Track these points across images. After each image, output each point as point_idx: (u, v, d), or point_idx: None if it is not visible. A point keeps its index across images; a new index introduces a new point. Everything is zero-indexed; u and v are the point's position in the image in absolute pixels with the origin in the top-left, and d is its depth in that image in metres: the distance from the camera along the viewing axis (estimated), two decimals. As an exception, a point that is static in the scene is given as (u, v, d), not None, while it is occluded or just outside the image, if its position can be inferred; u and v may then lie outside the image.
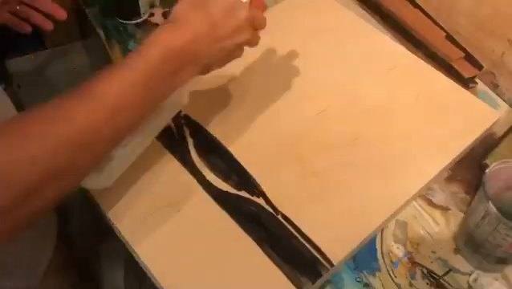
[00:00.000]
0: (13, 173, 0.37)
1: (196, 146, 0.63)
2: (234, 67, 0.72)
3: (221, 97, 0.69)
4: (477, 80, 0.76)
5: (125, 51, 0.78)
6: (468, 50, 0.77)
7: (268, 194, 0.59)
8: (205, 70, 0.52)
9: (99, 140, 0.42)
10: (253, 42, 0.55)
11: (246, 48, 0.55)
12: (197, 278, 0.53)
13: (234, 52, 0.53)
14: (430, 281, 0.56)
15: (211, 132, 0.64)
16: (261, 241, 0.55)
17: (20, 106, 1.09)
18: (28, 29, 0.72)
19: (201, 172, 0.61)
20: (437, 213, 0.62)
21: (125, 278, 0.87)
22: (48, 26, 0.71)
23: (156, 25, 0.82)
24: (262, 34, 0.56)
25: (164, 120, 0.57)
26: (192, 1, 0.49)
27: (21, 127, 0.39)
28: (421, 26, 0.80)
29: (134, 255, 0.55)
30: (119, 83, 0.43)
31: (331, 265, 0.53)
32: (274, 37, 0.78)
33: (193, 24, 0.48)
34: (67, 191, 0.42)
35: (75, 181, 0.43)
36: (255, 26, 0.54)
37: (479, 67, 0.75)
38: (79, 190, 0.61)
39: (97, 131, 0.42)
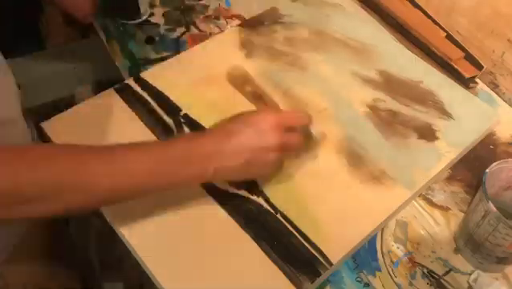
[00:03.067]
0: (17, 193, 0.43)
1: (195, 145, 0.63)
2: (235, 66, 0.73)
3: (221, 96, 0.69)
4: (477, 80, 0.76)
5: (125, 51, 0.78)
6: (468, 50, 0.77)
7: (267, 193, 0.59)
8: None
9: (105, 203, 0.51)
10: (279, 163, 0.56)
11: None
12: (197, 278, 0.53)
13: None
14: (430, 281, 0.56)
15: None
16: (260, 240, 0.55)
17: (20, 106, 1.10)
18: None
19: (200, 172, 0.60)
20: (437, 213, 0.61)
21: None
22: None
23: (156, 25, 0.82)
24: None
25: None
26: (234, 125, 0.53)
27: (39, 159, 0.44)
28: (421, 26, 0.80)
29: (133, 255, 0.55)
30: (140, 163, 0.48)
31: (330, 264, 0.53)
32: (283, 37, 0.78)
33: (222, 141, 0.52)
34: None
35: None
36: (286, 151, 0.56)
37: (479, 67, 0.75)
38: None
39: (114, 195, 0.49)
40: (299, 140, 0.57)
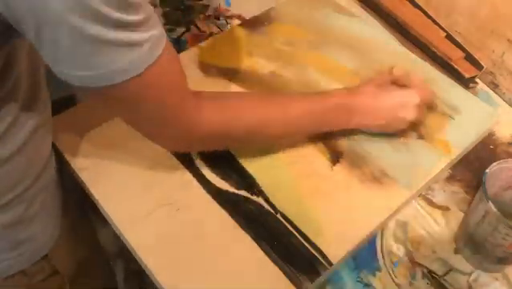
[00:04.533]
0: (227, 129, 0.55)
1: (195, 145, 0.63)
2: (235, 66, 0.73)
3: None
4: (477, 80, 0.76)
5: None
6: (468, 50, 0.77)
7: (267, 193, 0.59)
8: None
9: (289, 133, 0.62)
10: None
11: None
12: (197, 277, 0.53)
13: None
14: (430, 281, 0.55)
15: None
16: (260, 240, 0.55)
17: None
18: None
19: (200, 172, 0.61)
20: (437, 213, 0.61)
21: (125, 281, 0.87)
22: None
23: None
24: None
25: None
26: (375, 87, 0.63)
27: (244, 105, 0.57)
28: (421, 26, 0.80)
29: (133, 254, 0.55)
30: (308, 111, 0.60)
31: (330, 264, 0.53)
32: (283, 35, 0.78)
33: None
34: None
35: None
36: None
37: (479, 67, 0.75)
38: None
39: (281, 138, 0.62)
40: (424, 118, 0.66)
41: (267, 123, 0.57)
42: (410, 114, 0.61)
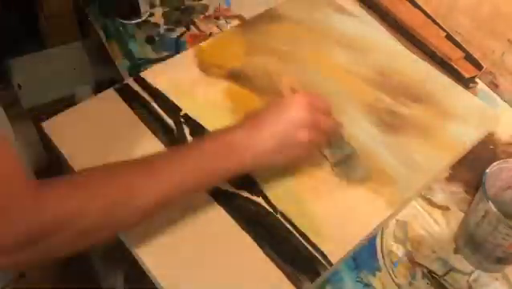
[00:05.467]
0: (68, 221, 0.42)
1: (195, 145, 0.63)
2: (235, 66, 0.73)
3: (221, 96, 0.69)
4: (477, 80, 0.76)
5: (125, 51, 0.78)
6: (468, 50, 0.77)
7: (267, 193, 0.59)
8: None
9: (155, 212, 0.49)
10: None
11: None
12: (196, 277, 0.53)
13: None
14: (430, 281, 0.55)
15: (211, 131, 0.64)
16: (260, 240, 0.55)
17: (20, 106, 1.10)
18: None
19: (200, 172, 0.60)
20: (437, 213, 0.61)
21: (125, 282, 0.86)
22: None
23: (156, 25, 0.82)
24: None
25: None
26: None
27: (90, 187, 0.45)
28: (421, 26, 0.80)
29: (133, 255, 0.55)
30: (182, 170, 0.50)
31: (330, 264, 0.53)
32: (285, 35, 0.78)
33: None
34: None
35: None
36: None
37: (479, 67, 0.75)
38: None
39: (163, 205, 0.49)
40: (331, 123, 0.57)
41: (133, 193, 0.46)
42: (303, 135, 0.53)
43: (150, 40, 0.80)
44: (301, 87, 0.70)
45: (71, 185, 0.45)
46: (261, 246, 0.54)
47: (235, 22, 0.83)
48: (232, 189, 0.59)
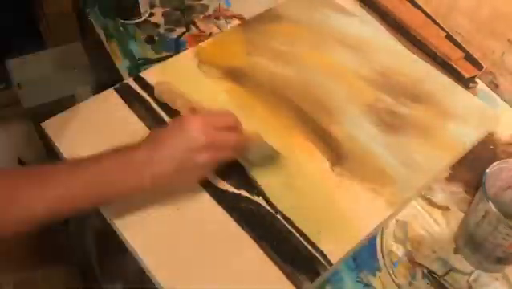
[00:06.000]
0: None
1: (195, 145, 0.63)
2: (235, 66, 0.73)
3: (221, 96, 0.69)
4: (477, 80, 0.76)
5: (125, 51, 0.78)
6: (468, 50, 0.77)
7: (267, 193, 0.59)
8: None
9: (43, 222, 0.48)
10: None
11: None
12: (196, 277, 0.53)
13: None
14: (430, 281, 0.55)
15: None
16: (260, 240, 0.55)
17: (20, 106, 1.10)
18: None
19: (200, 172, 0.60)
20: (437, 213, 0.61)
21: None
22: None
23: (156, 25, 0.82)
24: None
25: None
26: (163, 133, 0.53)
27: None
28: (421, 26, 0.80)
29: (133, 254, 0.55)
30: (74, 182, 0.49)
31: (330, 264, 0.53)
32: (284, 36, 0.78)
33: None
34: None
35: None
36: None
37: (479, 67, 0.75)
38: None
39: (50, 218, 0.48)
40: (233, 138, 0.55)
41: (14, 201, 0.46)
42: (201, 157, 0.52)
43: (150, 40, 0.80)
44: (301, 87, 0.70)
45: None
46: (261, 246, 0.54)
47: (235, 22, 0.83)
48: (232, 189, 0.59)
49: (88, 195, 0.50)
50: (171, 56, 0.76)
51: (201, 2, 0.87)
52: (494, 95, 0.75)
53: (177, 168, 0.52)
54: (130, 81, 0.70)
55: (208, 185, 0.59)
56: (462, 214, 0.61)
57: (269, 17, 0.81)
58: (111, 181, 0.50)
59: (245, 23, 0.81)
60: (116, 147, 0.52)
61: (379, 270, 0.56)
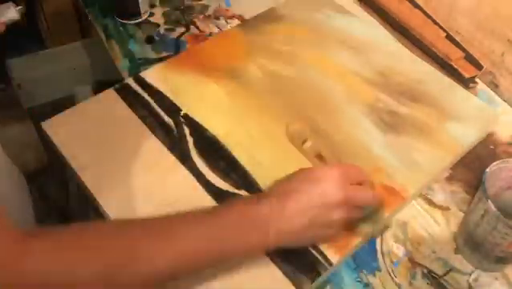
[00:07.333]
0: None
1: (196, 145, 0.63)
2: (235, 66, 0.73)
3: (221, 96, 0.69)
4: (477, 80, 0.76)
5: (125, 51, 0.78)
6: (468, 50, 0.77)
7: (268, 194, 0.59)
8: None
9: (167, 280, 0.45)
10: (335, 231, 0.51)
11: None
12: (196, 277, 0.53)
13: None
14: (430, 281, 0.55)
15: (211, 131, 0.64)
16: (260, 240, 0.55)
17: (20, 106, 1.10)
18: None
19: (200, 172, 0.61)
20: (437, 213, 0.61)
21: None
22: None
23: (156, 25, 0.82)
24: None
25: None
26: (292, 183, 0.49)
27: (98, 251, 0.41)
28: (421, 26, 0.80)
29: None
30: (196, 236, 0.45)
31: (330, 264, 0.53)
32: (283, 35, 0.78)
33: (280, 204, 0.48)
34: None
35: None
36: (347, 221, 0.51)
37: (479, 67, 0.75)
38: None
39: (171, 274, 0.44)
40: (368, 194, 0.52)
41: (136, 256, 0.42)
42: (336, 214, 0.49)
43: (150, 40, 0.80)
44: (301, 87, 0.70)
45: (59, 242, 0.40)
46: (261, 246, 0.54)
47: (235, 22, 0.83)
48: (232, 189, 0.59)
49: (210, 251, 0.46)
50: (171, 56, 0.76)
51: (201, 2, 0.87)
52: (494, 95, 0.75)
53: (308, 225, 0.48)
54: (130, 81, 0.70)
55: (208, 185, 0.59)
56: (462, 214, 0.61)
57: (269, 17, 0.81)
58: (232, 242, 0.47)
59: (245, 23, 0.81)
60: (239, 199, 0.50)
61: (379, 270, 0.56)
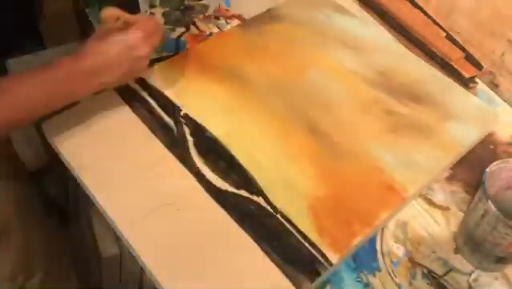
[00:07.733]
0: None
1: (196, 145, 0.63)
2: (235, 66, 0.73)
3: (221, 96, 0.69)
4: (477, 80, 0.76)
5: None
6: (468, 50, 0.77)
7: (267, 193, 0.59)
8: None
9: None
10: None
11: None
12: (196, 277, 0.53)
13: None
14: (430, 281, 0.56)
15: (211, 131, 0.64)
16: (260, 240, 0.55)
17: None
18: None
19: (200, 171, 0.61)
20: (437, 213, 0.61)
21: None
22: None
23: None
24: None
25: None
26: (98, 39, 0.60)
27: None
28: (421, 26, 0.80)
29: (133, 254, 0.55)
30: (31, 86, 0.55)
31: (330, 264, 0.53)
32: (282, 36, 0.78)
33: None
34: None
35: None
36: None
37: (479, 67, 0.75)
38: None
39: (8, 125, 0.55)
40: (160, 39, 0.64)
41: None
42: (141, 50, 0.61)
43: (150, 40, 0.80)
44: (301, 87, 0.70)
45: None
46: (260, 246, 0.54)
47: (235, 22, 0.83)
48: (232, 189, 0.59)
49: (39, 105, 0.55)
50: (171, 56, 0.76)
51: (201, 2, 0.87)
52: (494, 95, 0.75)
53: (122, 75, 0.60)
54: (130, 81, 0.70)
55: (208, 185, 0.59)
56: (462, 214, 0.61)
57: (269, 17, 0.81)
58: (60, 92, 0.57)
59: (245, 23, 0.81)
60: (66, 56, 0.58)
61: (379, 270, 0.56)
